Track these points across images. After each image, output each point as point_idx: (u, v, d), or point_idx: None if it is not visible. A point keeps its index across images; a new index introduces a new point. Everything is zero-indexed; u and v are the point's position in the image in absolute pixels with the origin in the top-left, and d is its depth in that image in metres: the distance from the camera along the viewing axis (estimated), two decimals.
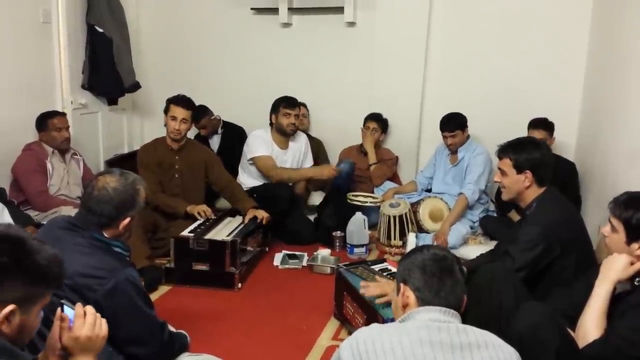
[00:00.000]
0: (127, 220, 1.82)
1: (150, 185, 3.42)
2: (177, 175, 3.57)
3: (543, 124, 3.72)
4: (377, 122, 4.26)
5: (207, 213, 3.43)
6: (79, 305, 1.44)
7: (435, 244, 3.57)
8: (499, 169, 2.46)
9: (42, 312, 1.27)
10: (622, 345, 1.64)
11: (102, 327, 1.44)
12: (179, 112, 3.46)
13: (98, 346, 1.42)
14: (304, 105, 4.46)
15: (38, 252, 1.18)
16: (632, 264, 1.77)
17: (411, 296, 1.45)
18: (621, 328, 1.68)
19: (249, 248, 3.34)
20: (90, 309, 1.43)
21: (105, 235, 1.80)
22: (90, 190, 1.81)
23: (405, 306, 1.46)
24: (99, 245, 1.76)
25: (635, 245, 1.76)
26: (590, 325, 1.74)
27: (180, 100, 3.50)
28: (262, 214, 3.46)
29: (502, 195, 2.51)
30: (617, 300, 1.79)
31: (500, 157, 2.46)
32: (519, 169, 2.37)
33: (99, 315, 1.44)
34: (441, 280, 1.43)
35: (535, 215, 2.34)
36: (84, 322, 1.40)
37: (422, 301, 1.43)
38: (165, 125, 3.52)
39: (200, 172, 3.64)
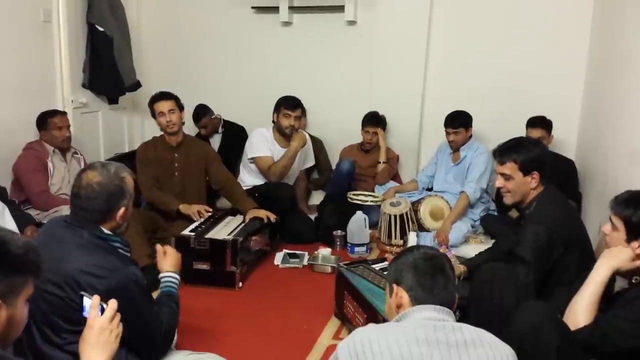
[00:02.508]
0: (122, 210, 1.80)
1: (146, 181, 3.44)
2: (176, 173, 3.58)
3: (541, 122, 3.71)
4: (376, 125, 4.23)
5: (202, 212, 3.40)
6: (95, 297, 1.46)
7: (436, 242, 3.58)
8: (501, 174, 2.39)
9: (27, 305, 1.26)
10: (612, 334, 1.65)
11: (118, 325, 1.46)
12: (164, 106, 3.47)
13: (111, 343, 1.43)
14: None
15: (10, 242, 1.17)
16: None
17: (404, 296, 1.45)
18: (614, 318, 1.69)
19: (256, 247, 3.33)
20: (112, 303, 1.46)
21: (105, 230, 1.79)
22: (77, 190, 1.78)
23: (399, 307, 1.47)
24: (99, 243, 1.75)
25: (635, 244, 1.77)
26: (581, 312, 1.75)
27: (160, 96, 3.52)
28: (263, 214, 3.46)
29: (505, 199, 2.43)
30: (614, 299, 1.80)
31: (502, 162, 2.38)
32: (526, 171, 2.32)
33: (118, 314, 1.46)
34: (433, 278, 1.44)
35: (535, 215, 2.32)
36: (98, 313, 1.43)
37: (416, 300, 1.43)
38: (161, 129, 3.53)
39: (199, 169, 3.63)
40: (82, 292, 1.52)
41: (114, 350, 1.44)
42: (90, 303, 1.47)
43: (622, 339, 1.65)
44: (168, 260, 2.04)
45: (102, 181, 1.77)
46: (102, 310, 1.46)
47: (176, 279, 2.04)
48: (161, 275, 2.02)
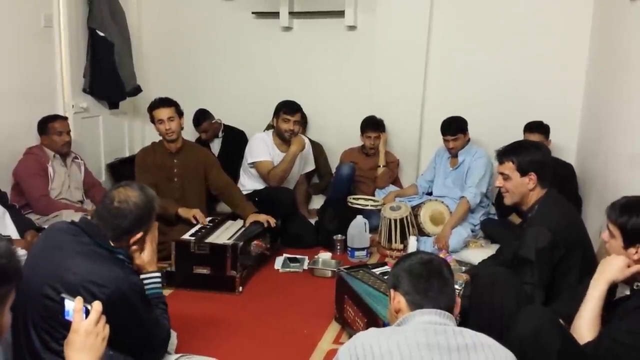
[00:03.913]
0: (139, 235, 1.83)
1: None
2: (176, 179, 3.57)
3: (539, 127, 3.72)
4: (377, 129, 4.24)
5: (199, 218, 3.41)
6: (79, 299, 1.42)
7: (436, 247, 3.58)
8: (501, 173, 2.44)
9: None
10: (616, 348, 1.64)
11: (104, 327, 1.42)
12: (163, 113, 3.45)
13: (97, 347, 1.39)
14: None
15: None
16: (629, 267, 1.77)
17: (402, 301, 1.47)
18: (616, 331, 1.68)
19: (256, 251, 3.33)
20: (96, 305, 1.41)
21: (111, 243, 1.79)
22: (109, 202, 1.79)
23: (397, 312, 1.48)
24: (101, 252, 1.75)
25: (632, 250, 1.76)
26: (585, 329, 1.75)
27: (158, 102, 3.50)
28: (264, 218, 3.46)
29: (504, 199, 2.48)
30: (617, 305, 1.79)
31: (501, 161, 2.43)
32: (523, 172, 2.35)
33: (103, 316, 1.43)
34: (428, 281, 1.45)
35: (537, 217, 2.33)
36: (82, 316, 1.38)
37: (413, 304, 1.44)
38: (159, 134, 3.53)
39: (199, 174, 3.63)
40: (63, 295, 1.46)
41: (100, 355, 1.39)
42: (72, 306, 1.40)
43: (625, 352, 1.64)
44: (149, 258, 1.95)
45: (138, 203, 1.80)
46: (87, 313, 1.39)
47: (159, 277, 2.01)
48: (144, 276, 1.95)
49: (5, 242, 1.16)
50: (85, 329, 1.37)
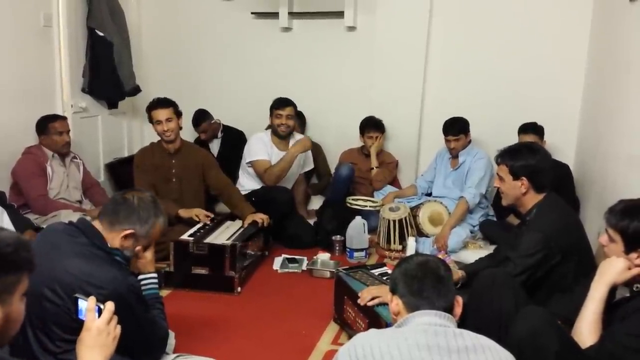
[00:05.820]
0: (130, 231, 1.81)
1: (143, 187, 3.44)
2: (174, 180, 3.57)
3: (532, 129, 3.73)
4: (379, 130, 4.25)
5: (201, 216, 3.42)
6: (92, 298, 1.48)
7: (435, 247, 3.58)
8: (498, 174, 2.48)
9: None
10: (617, 350, 1.64)
11: (115, 327, 1.47)
12: (161, 114, 3.45)
13: (108, 345, 1.44)
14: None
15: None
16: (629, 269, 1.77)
17: (399, 303, 1.49)
18: (617, 333, 1.68)
19: (249, 252, 3.33)
20: (109, 304, 1.47)
21: (108, 244, 1.79)
22: (119, 195, 1.88)
23: (396, 314, 1.50)
24: (98, 253, 1.75)
25: (634, 255, 1.76)
26: (586, 332, 1.75)
27: (157, 103, 3.50)
28: (261, 217, 3.46)
29: (502, 200, 2.52)
30: (616, 307, 1.79)
31: (498, 163, 2.48)
32: (515, 176, 2.39)
33: (115, 316, 1.48)
34: (422, 281, 1.46)
35: (535, 222, 2.34)
36: (95, 316, 1.45)
37: (409, 305, 1.46)
38: (158, 134, 3.53)
39: (197, 175, 3.63)
40: (77, 295, 1.54)
41: (111, 353, 1.45)
42: (85, 305, 1.48)
43: (627, 355, 1.63)
44: (151, 257, 1.98)
45: (144, 200, 1.85)
46: (99, 312, 1.47)
47: (156, 278, 2.03)
48: (141, 277, 1.97)
49: (13, 232, 1.18)
50: (98, 327, 1.44)
